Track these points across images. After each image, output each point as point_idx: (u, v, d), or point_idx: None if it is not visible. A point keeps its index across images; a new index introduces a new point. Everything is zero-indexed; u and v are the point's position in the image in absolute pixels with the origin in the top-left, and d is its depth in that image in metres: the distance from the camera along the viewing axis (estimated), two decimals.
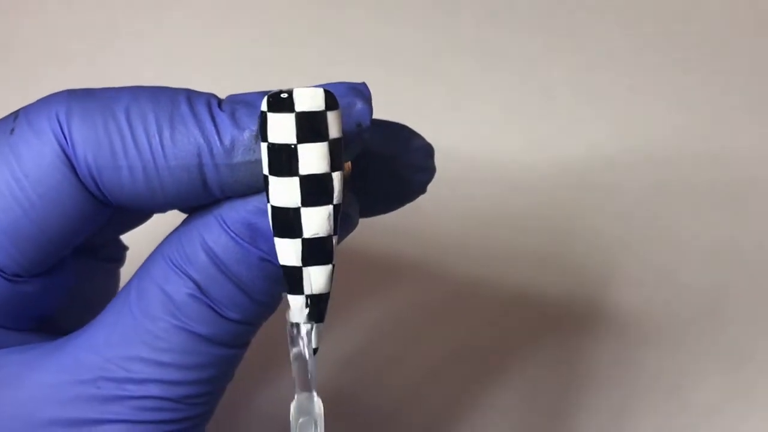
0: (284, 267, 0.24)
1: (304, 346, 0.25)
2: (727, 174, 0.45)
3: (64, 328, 0.27)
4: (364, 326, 0.40)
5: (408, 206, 0.29)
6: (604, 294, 0.42)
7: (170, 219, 0.27)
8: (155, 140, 0.24)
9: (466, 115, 0.45)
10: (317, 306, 0.25)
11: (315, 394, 0.25)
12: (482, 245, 0.41)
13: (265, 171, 0.24)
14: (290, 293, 0.25)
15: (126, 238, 0.31)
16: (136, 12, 0.46)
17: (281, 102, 0.23)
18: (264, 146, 0.24)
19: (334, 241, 0.24)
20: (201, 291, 0.25)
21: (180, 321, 0.25)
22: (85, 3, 0.46)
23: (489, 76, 0.47)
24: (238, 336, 0.26)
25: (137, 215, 0.30)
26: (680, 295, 0.42)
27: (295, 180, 0.24)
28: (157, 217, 0.29)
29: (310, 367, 0.25)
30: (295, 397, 0.25)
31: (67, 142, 0.24)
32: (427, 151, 0.28)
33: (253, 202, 0.25)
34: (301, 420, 0.25)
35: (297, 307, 0.25)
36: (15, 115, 0.25)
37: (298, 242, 0.24)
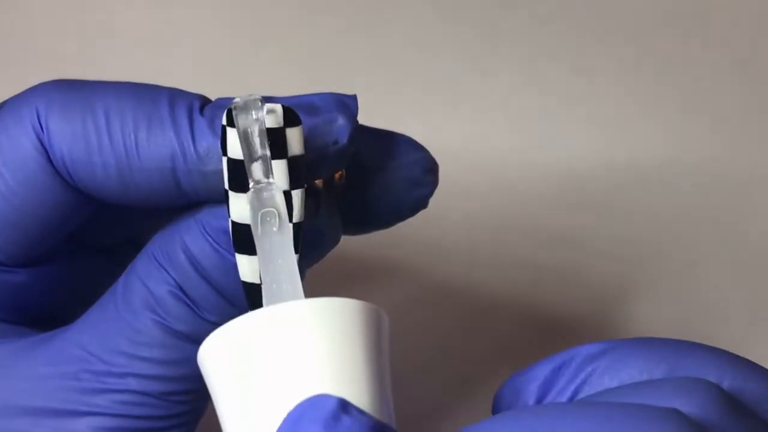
0: (244, 283, 0.24)
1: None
2: (729, 175, 0.44)
3: None
4: None
5: None
6: (605, 295, 0.41)
7: None
8: (130, 139, 0.24)
9: (466, 116, 0.44)
10: None
11: (272, 180, 0.23)
12: (482, 246, 0.41)
13: (225, 185, 0.23)
14: (250, 309, 0.24)
15: None
16: (137, 12, 0.47)
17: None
18: (224, 160, 0.23)
19: (296, 258, 0.24)
20: (180, 290, 0.25)
21: (160, 317, 0.25)
22: (85, 3, 0.46)
23: (489, 75, 0.45)
24: None
25: (147, 214, 0.30)
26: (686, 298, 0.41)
27: None
28: None
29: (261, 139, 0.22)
30: (251, 186, 0.23)
31: (44, 133, 0.24)
32: (426, 164, 0.27)
33: None
34: (262, 211, 0.22)
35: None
36: (2, 106, 0.26)
37: (255, 260, 0.23)
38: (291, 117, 0.23)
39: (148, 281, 0.25)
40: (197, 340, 0.25)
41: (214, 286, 0.25)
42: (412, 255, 0.40)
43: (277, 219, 0.22)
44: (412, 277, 0.40)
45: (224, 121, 0.23)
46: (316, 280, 0.37)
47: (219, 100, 0.25)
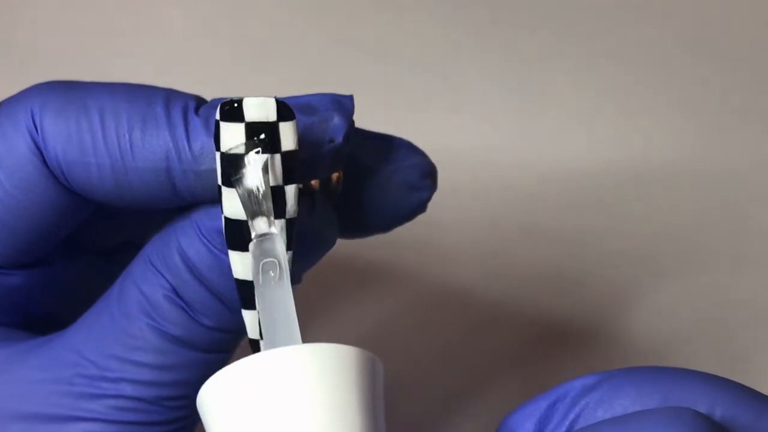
0: (237, 281, 0.24)
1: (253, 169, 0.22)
2: (729, 175, 0.44)
3: None
4: (358, 328, 0.39)
5: None
6: (605, 295, 0.41)
7: None
8: (125, 140, 0.24)
9: (466, 116, 0.44)
10: None
11: (276, 230, 0.23)
12: (481, 247, 0.40)
13: (219, 181, 0.23)
14: (242, 308, 0.24)
15: None
16: (137, 12, 0.47)
17: (232, 111, 0.23)
18: (218, 155, 0.23)
19: (289, 256, 0.23)
20: (176, 293, 0.25)
21: (155, 321, 0.25)
22: (85, 3, 0.47)
23: (489, 76, 0.46)
24: (215, 342, 0.25)
25: (146, 217, 0.29)
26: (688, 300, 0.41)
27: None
28: None
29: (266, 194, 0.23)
30: (253, 236, 0.23)
31: (38, 134, 0.24)
32: (424, 168, 0.27)
33: None
34: (263, 261, 0.23)
35: (250, 322, 0.24)
36: None
37: (248, 256, 0.23)
38: (284, 112, 0.23)
39: (143, 285, 0.25)
40: (193, 345, 0.25)
41: (209, 289, 0.25)
42: (411, 257, 0.40)
43: (278, 268, 0.22)
44: (412, 279, 0.40)
45: (217, 116, 0.23)
46: (316, 283, 0.37)
47: (215, 100, 0.25)
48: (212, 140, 0.23)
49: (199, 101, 0.25)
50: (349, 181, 0.26)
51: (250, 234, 0.23)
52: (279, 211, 0.23)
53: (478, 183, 0.42)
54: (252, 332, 0.24)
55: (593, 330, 0.39)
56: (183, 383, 0.25)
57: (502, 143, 0.44)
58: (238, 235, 0.23)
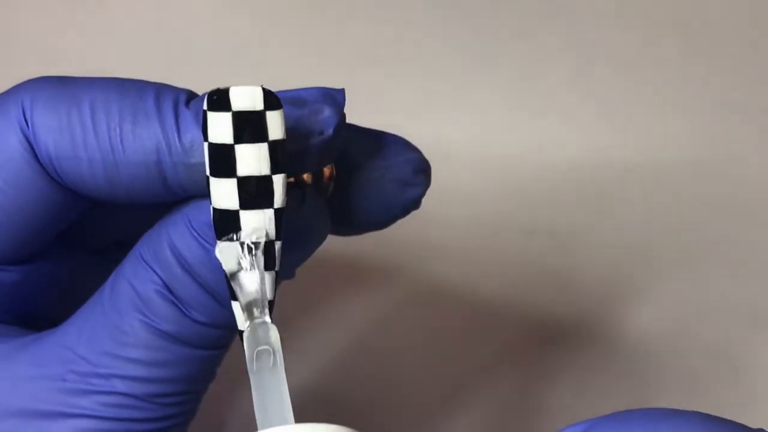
0: (225, 271, 0.24)
1: (254, 264, 0.24)
2: (729, 175, 0.44)
3: None
4: (357, 327, 0.39)
5: None
6: (605, 295, 0.40)
7: None
8: (115, 133, 0.24)
9: (466, 116, 0.44)
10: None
11: (269, 319, 0.23)
12: (480, 247, 0.40)
13: (207, 171, 0.23)
14: (232, 299, 0.24)
15: None
16: (137, 12, 0.47)
17: (219, 100, 0.23)
18: (205, 146, 0.23)
19: (278, 246, 0.23)
20: (167, 289, 0.25)
21: (146, 317, 0.25)
22: (85, 3, 0.47)
23: (489, 76, 0.46)
24: (207, 338, 0.25)
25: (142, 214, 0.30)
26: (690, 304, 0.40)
27: (233, 181, 0.23)
28: None
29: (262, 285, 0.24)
30: (247, 325, 0.23)
31: (29, 129, 0.24)
32: (417, 164, 0.27)
33: None
34: (258, 349, 0.23)
35: (240, 314, 0.24)
36: None
37: (237, 245, 0.23)
38: (271, 100, 0.23)
39: (135, 281, 0.25)
40: (185, 341, 0.25)
41: (200, 284, 0.25)
42: (409, 255, 0.40)
43: (272, 356, 0.23)
44: (410, 278, 0.40)
45: (205, 106, 0.23)
46: (316, 282, 0.37)
47: (206, 93, 0.25)
48: (201, 133, 0.23)
49: (191, 95, 0.25)
50: (342, 176, 0.26)
51: (239, 224, 0.23)
52: (267, 201, 0.23)
53: (476, 182, 0.42)
54: (241, 324, 0.24)
55: (590, 328, 0.39)
56: (175, 380, 0.25)
57: (501, 143, 0.44)
58: (226, 226, 0.23)
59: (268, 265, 0.23)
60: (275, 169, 0.23)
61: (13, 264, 0.27)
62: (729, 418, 0.36)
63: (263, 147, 0.23)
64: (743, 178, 0.44)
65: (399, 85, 0.45)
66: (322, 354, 0.37)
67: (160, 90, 0.25)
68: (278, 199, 0.23)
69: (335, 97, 0.25)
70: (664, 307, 0.40)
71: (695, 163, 0.44)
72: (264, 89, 0.23)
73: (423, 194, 0.27)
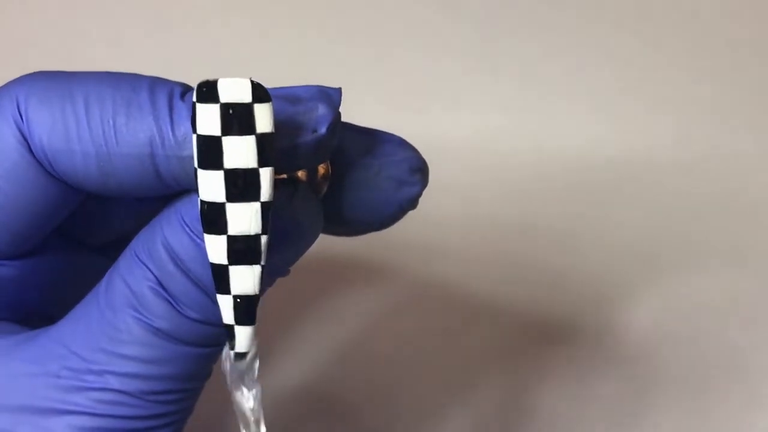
0: (212, 265, 0.23)
1: (228, 353, 0.24)
2: (729, 175, 0.43)
3: None
4: (355, 327, 0.39)
5: None
6: (604, 294, 0.40)
7: None
8: (109, 125, 0.24)
9: (466, 116, 0.44)
10: (245, 308, 0.24)
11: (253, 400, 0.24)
12: (479, 246, 0.40)
13: (195, 164, 0.23)
14: (217, 292, 0.24)
15: None
16: (137, 11, 0.47)
17: (208, 92, 0.22)
18: (194, 138, 0.23)
19: (264, 240, 0.23)
20: (161, 285, 0.25)
21: (140, 314, 0.25)
22: (85, 2, 0.47)
23: (489, 76, 0.45)
24: (201, 335, 0.25)
25: (142, 211, 0.29)
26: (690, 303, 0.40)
27: (220, 174, 0.23)
28: None
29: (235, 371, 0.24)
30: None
31: (23, 123, 0.24)
32: (413, 163, 0.26)
33: None
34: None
35: (225, 307, 0.24)
36: None
37: (223, 239, 0.23)
38: (259, 93, 0.22)
39: (129, 278, 0.25)
40: (179, 339, 0.25)
41: (193, 280, 0.24)
42: (409, 255, 0.40)
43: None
44: (409, 278, 0.40)
45: (194, 98, 0.23)
46: (316, 282, 0.37)
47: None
48: None
49: (185, 88, 0.25)
50: (338, 175, 0.26)
51: (225, 216, 0.23)
52: (254, 194, 0.23)
53: (475, 181, 0.42)
54: (227, 317, 0.24)
55: (589, 327, 0.39)
56: (170, 377, 0.25)
57: (500, 143, 0.44)
58: (214, 219, 0.23)
59: (254, 259, 0.23)
60: (263, 162, 0.23)
61: (10, 259, 0.27)
62: (730, 417, 0.36)
63: (251, 139, 0.22)
64: (743, 178, 0.43)
65: (398, 85, 0.45)
66: (319, 354, 0.37)
67: (154, 83, 0.25)
68: (265, 193, 0.23)
69: (331, 96, 0.25)
70: (663, 306, 0.40)
71: (695, 163, 0.44)
72: (252, 81, 0.22)
73: (419, 193, 0.27)
